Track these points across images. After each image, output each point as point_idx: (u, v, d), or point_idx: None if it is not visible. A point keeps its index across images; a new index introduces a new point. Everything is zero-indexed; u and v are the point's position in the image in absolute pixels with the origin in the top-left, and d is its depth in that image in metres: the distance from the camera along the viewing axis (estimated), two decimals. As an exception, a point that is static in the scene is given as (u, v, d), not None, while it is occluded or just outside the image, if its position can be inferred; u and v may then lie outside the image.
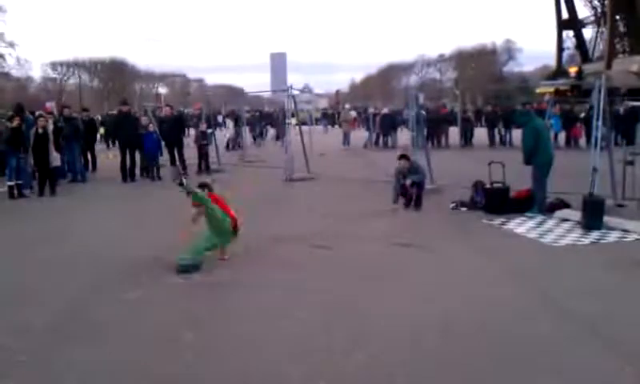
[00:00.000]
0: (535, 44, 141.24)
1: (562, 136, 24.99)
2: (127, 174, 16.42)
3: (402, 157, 11.67)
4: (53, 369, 4.69)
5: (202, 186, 7.91)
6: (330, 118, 49.25)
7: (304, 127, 18.60)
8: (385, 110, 31.15)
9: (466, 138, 26.77)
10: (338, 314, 5.75)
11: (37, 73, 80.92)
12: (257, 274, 7.17)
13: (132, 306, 6.13)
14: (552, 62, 69.12)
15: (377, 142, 27.55)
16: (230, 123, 33.04)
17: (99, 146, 22.33)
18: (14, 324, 5.65)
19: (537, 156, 10.32)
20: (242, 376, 4.51)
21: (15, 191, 13.78)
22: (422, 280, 6.80)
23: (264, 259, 7.81)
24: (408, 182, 11.07)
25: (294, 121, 18.17)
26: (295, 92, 18.44)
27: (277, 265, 7.56)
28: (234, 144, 27.34)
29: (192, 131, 23.78)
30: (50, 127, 14.47)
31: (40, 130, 14.08)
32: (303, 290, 6.55)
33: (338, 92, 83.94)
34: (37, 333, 5.40)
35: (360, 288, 6.54)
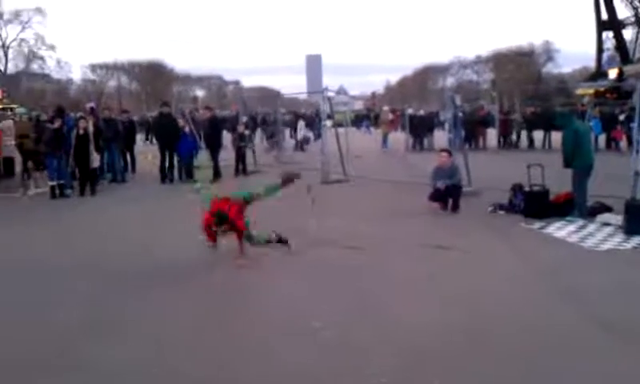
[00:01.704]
0: (574, 45, 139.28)
1: (603, 138, 24.49)
2: (166, 175, 16.63)
3: (444, 151, 11.84)
4: (79, 367, 4.78)
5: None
6: (371, 119, 48.81)
7: (340, 129, 18.55)
8: (420, 112, 30.99)
9: (508, 140, 26.55)
10: (368, 315, 5.76)
11: (76, 75, 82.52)
12: (287, 275, 7.20)
13: (167, 304, 6.21)
14: (591, 63, 67.74)
15: (414, 145, 27.36)
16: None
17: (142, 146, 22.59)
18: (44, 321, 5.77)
19: (577, 159, 10.13)
20: (270, 374, 4.54)
21: (57, 191, 14.07)
22: (458, 284, 6.73)
23: (295, 260, 7.83)
24: (440, 184, 11.00)
25: (329, 123, 18.16)
26: (331, 94, 18.43)
27: (308, 266, 7.58)
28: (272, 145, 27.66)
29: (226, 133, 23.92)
30: (91, 129, 14.74)
31: (81, 132, 14.35)
32: (334, 291, 6.56)
33: (374, 94, 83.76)
34: (65, 330, 5.52)
35: (393, 290, 6.52)
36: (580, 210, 10.13)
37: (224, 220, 7.46)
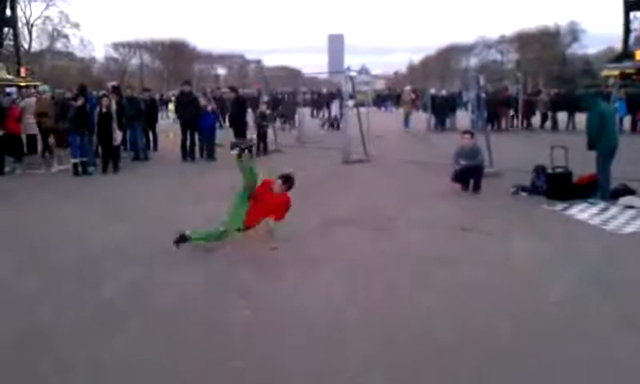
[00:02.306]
0: (600, 25, 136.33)
1: (628, 120, 24.16)
2: (187, 154, 16.73)
3: (467, 132, 11.78)
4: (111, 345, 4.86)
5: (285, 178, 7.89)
6: (393, 99, 48.44)
7: (362, 109, 18.48)
8: (443, 92, 30.77)
9: (531, 121, 26.33)
10: (388, 295, 5.79)
11: (99, 53, 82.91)
12: (309, 254, 7.23)
13: (188, 286, 6.29)
14: (618, 44, 66.56)
15: (436, 126, 27.20)
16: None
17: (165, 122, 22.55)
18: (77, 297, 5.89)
19: (601, 141, 10.02)
20: (298, 350, 4.59)
21: (80, 168, 14.22)
22: (479, 266, 6.71)
23: (317, 241, 7.85)
24: (462, 163, 10.97)
25: (351, 102, 18.09)
26: (353, 73, 18.34)
27: (330, 247, 7.61)
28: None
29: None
30: (114, 107, 14.84)
31: (104, 109, 14.47)
32: (355, 270, 6.59)
33: (396, 73, 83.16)
34: (92, 307, 5.60)
35: (414, 271, 6.53)
36: (603, 192, 10.04)
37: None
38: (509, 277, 6.30)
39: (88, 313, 5.40)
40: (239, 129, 17.37)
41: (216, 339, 4.84)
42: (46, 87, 18.78)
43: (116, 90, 18.89)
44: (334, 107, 30.89)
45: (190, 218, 8.65)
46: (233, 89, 21.16)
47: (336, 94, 32.94)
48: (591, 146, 10.14)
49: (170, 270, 6.67)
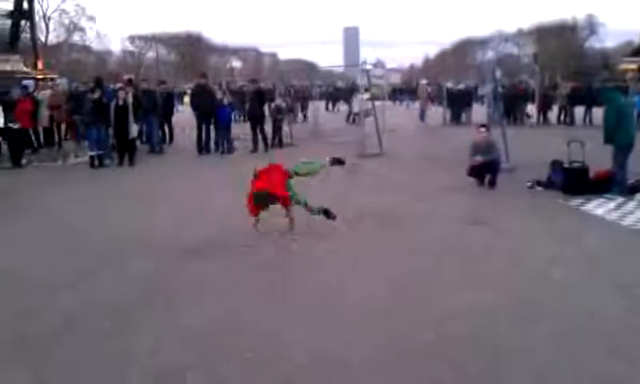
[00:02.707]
0: (619, 19, 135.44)
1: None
2: (202, 147, 16.77)
3: (482, 126, 11.75)
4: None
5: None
6: (411, 93, 48.00)
7: (377, 102, 18.42)
8: (459, 86, 30.57)
9: (547, 115, 26.09)
10: (403, 290, 5.81)
11: (116, 47, 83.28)
12: (324, 249, 7.24)
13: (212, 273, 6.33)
14: (636, 38, 65.96)
15: (452, 120, 27.02)
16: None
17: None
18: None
19: (619, 135, 9.93)
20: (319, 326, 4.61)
21: (96, 161, 14.33)
22: (495, 261, 6.69)
23: (332, 235, 7.85)
24: (478, 159, 10.90)
25: (366, 96, 18.06)
26: (368, 67, 18.30)
27: (344, 241, 7.61)
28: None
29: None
30: (130, 100, 14.92)
31: (120, 102, 14.55)
32: (369, 266, 6.60)
33: (412, 67, 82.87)
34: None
35: (429, 266, 6.52)
36: (620, 187, 9.96)
37: (263, 198, 7.48)
38: (521, 272, 6.27)
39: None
40: (257, 121, 17.36)
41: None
42: (63, 80, 18.99)
43: (131, 82, 18.99)
44: (356, 101, 30.31)
45: (208, 209, 8.67)
46: (254, 81, 21.10)
47: (356, 88, 32.39)
48: (608, 140, 10.06)
49: (187, 265, 6.72)
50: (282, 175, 7.75)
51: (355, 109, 29.02)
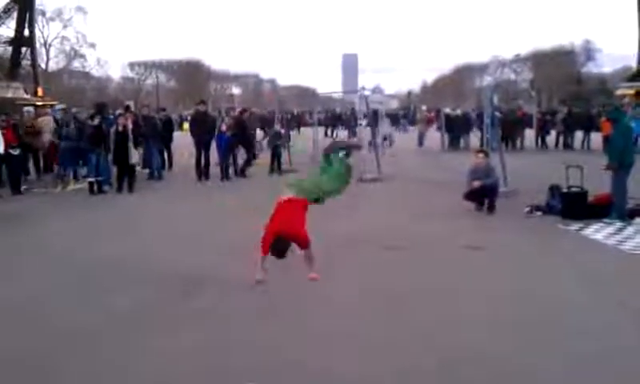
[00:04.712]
0: (615, 45, 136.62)
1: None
2: (201, 173, 16.78)
3: (480, 151, 11.84)
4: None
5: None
6: (409, 118, 48.15)
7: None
8: (457, 112, 30.70)
9: (545, 140, 26.16)
10: (403, 314, 5.80)
11: (115, 73, 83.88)
12: (325, 272, 7.19)
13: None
14: (633, 63, 66.40)
15: (450, 145, 27.06)
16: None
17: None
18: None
19: (623, 155, 9.97)
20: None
21: (95, 187, 14.31)
22: (493, 286, 6.68)
23: (333, 259, 7.82)
24: (476, 183, 10.89)
25: (364, 122, 18.13)
26: (367, 92, 18.41)
27: (344, 265, 7.59)
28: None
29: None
30: (130, 126, 14.93)
31: (120, 128, 14.56)
32: (371, 289, 6.59)
33: (409, 92, 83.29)
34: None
35: (430, 290, 6.50)
36: (619, 211, 9.96)
37: (285, 245, 5.83)
38: (519, 296, 6.24)
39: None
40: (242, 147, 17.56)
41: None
42: (60, 106, 19.09)
43: (127, 109, 19.09)
44: (385, 126, 29.47)
45: (208, 236, 8.62)
46: (245, 110, 21.17)
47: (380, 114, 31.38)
48: (619, 161, 9.99)
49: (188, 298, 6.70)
50: (304, 210, 6.25)
51: (386, 130, 28.45)
